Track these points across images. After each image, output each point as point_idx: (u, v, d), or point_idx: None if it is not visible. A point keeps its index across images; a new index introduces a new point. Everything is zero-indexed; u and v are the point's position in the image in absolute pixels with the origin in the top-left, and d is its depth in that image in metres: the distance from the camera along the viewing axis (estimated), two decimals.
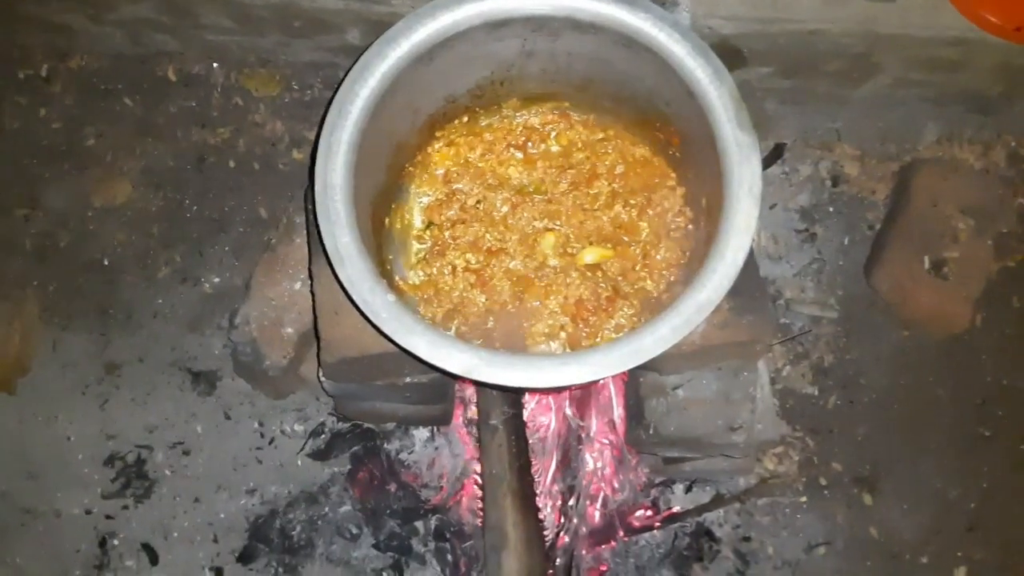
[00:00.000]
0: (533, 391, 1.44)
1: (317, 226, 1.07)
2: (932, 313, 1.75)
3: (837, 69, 1.72)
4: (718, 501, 1.69)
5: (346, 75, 1.11)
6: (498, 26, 1.15)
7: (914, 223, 1.73)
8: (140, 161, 1.94)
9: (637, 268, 1.25)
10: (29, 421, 1.80)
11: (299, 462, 1.76)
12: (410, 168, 1.31)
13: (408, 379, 1.39)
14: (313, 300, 1.31)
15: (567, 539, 1.62)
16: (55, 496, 1.77)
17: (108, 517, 1.75)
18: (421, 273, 1.28)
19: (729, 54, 1.68)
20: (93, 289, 1.88)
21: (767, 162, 1.76)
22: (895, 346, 1.78)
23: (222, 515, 1.75)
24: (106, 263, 1.89)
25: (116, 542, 1.75)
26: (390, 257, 1.27)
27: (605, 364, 1.01)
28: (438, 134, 1.31)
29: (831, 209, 1.85)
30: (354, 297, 1.04)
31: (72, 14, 1.87)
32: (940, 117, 1.84)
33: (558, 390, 1.45)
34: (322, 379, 1.39)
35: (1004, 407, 1.74)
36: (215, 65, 1.96)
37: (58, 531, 1.75)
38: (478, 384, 1.47)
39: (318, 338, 1.30)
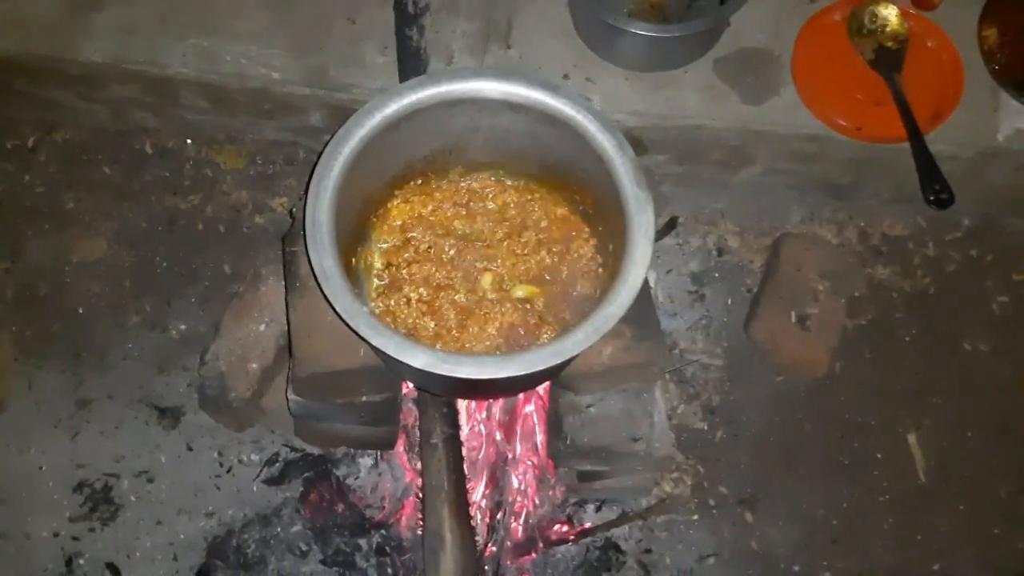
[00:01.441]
0: (476, 390, 1.67)
1: (306, 252, 1.33)
2: (799, 360, 2.02)
3: (719, 158, 2.01)
4: (624, 518, 1.91)
5: (331, 137, 1.39)
6: (451, 105, 1.44)
7: (783, 285, 2.01)
8: (116, 223, 2.14)
9: (558, 302, 1.53)
10: (3, 452, 1.95)
11: (255, 488, 1.94)
12: (373, 219, 1.57)
13: (364, 398, 1.64)
14: (288, 327, 1.56)
15: (495, 548, 1.85)
16: (25, 520, 1.91)
17: (75, 539, 1.90)
18: (381, 304, 1.53)
19: (632, 142, 1.93)
20: (68, 334, 2.05)
21: (663, 232, 2.06)
22: (770, 388, 2.03)
23: (182, 536, 1.91)
24: (81, 311, 2.07)
25: (82, 561, 1.89)
26: (356, 291, 1.52)
27: (535, 360, 1.27)
28: (396, 192, 1.58)
29: (716, 275, 2.12)
30: (337, 307, 1.29)
31: (63, 92, 2.09)
32: (803, 201, 2.13)
33: (497, 390, 1.69)
34: (291, 397, 1.63)
35: (859, 440, 2.00)
36: (188, 141, 2.19)
37: (27, 552, 1.89)
38: (424, 399, 1.74)
39: (292, 357, 1.55)
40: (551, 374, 1.52)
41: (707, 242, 2.16)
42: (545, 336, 1.49)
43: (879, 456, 2.00)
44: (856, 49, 1.94)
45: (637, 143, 1.99)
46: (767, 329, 2.03)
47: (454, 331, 1.50)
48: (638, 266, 1.33)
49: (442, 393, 1.68)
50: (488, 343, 1.49)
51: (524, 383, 1.57)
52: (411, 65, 1.83)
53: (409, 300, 1.52)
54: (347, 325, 1.29)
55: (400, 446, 1.91)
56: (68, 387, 2.02)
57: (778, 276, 2.05)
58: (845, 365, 2.05)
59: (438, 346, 1.49)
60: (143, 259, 2.13)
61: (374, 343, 1.28)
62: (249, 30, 1.97)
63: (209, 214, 2.16)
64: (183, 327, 2.07)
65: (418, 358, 1.28)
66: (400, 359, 1.27)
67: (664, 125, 1.94)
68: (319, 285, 1.32)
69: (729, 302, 2.12)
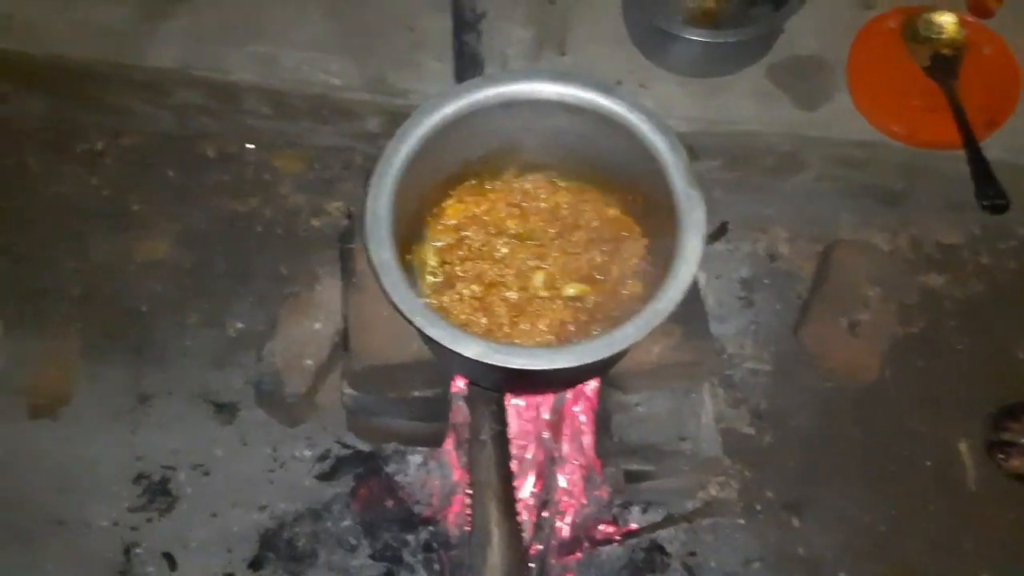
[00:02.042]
0: (527, 383, 1.70)
1: (365, 245, 1.37)
2: (848, 366, 2.01)
3: (771, 164, 2.02)
4: (669, 520, 1.92)
5: (393, 136, 1.43)
6: (508, 105, 1.47)
7: (833, 291, 2.01)
8: (177, 224, 2.21)
9: (609, 300, 1.55)
10: (66, 444, 2.00)
11: (307, 483, 1.97)
12: (428, 218, 1.60)
13: (416, 393, 1.68)
14: (345, 322, 1.61)
15: (540, 547, 1.87)
16: (86, 509, 1.95)
17: (133, 528, 1.94)
18: (434, 301, 1.56)
19: (685, 149, 2.03)
20: (130, 331, 2.11)
21: (714, 237, 2.07)
22: (818, 394, 2.02)
23: (235, 528, 1.94)
24: (143, 309, 2.13)
25: (139, 551, 1.92)
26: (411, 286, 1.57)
27: (585, 352, 1.29)
28: (452, 192, 1.61)
29: (766, 280, 2.13)
30: (393, 299, 1.33)
31: (131, 97, 2.16)
32: (855, 207, 2.13)
33: (548, 384, 1.71)
34: (345, 391, 1.67)
35: (908, 448, 1.98)
36: (249, 145, 2.26)
37: (86, 540, 1.93)
38: (475, 395, 1.76)
39: (348, 351, 1.59)
40: (601, 368, 1.54)
41: (757, 248, 2.17)
42: (595, 333, 1.50)
43: (928, 464, 1.98)
44: (911, 56, 1.95)
45: (688, 149, 2.00)
46: (817, 335, 2.03)
47: (505, 327, 1.52)
48: (689, 263, 1.35)
49: (493, 386, 1.70)
50: (539, 339, 1.51)
51: (574, 376, 1.59)
52: (467, 71, 1.87)
53: (462, 297, 1.55)
54: (403, 316, 1.33)
55: (449, 443, 1.93)
56: (129, 382, 2.07)
57: (829, 282, 2.05)
58: (895, 372, 2.04)
59: (490, 340, 1.51)
60: (203, 260, 2.19)
61: (429, 333, 1.31)
62: (310, 37, 2.03)
63: (267, 217, 2.22)
64: (240, 326, 2.12)
65: (471, 348, 1.30)
66: (454, 349, 1.30)
67: (716, 131, 1.97)
68: (376, 277, 1.35)
69: (779, 308, 2.12)
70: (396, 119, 2.02)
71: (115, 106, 2.22)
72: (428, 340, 1.34)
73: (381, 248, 1.37)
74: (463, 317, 1.54)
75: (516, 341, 1.51)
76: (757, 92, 1.95)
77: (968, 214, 1.98)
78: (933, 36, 1.93)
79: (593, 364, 1.31)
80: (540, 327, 1.52)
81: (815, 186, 2.10)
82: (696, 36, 1.82)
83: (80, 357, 2.10)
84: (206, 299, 2.16)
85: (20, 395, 2.04)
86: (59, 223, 2.22)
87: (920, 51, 1.94)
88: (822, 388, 2.04)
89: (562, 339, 1.51)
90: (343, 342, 1.66)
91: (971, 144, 1.84)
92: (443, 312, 1.54)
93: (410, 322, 1.33)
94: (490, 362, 1.30)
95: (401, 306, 1.33)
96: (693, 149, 1.99)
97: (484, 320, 1.54)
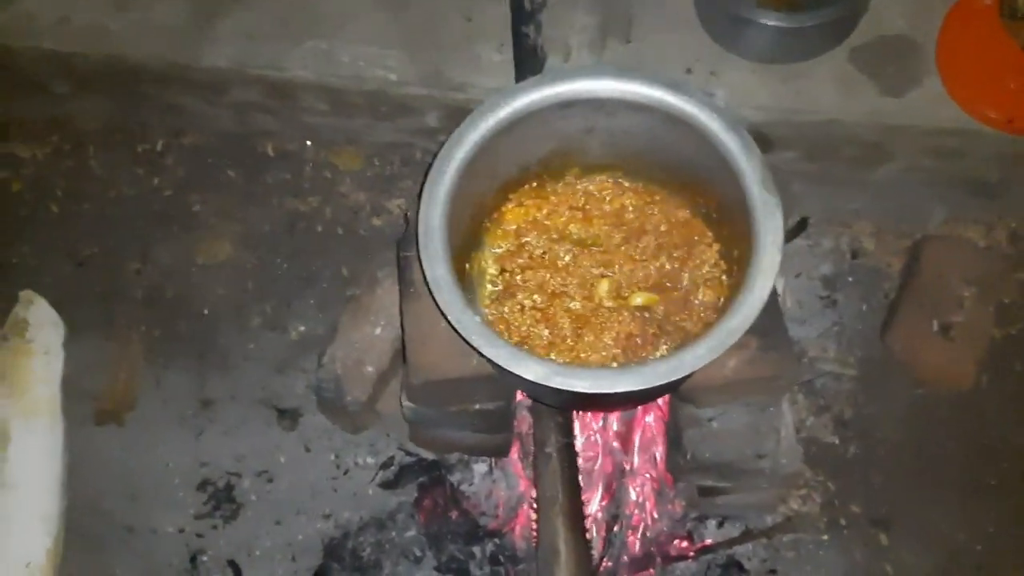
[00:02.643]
0: (591, 402, 1.63)
1: (419, 259, 1.30)
2: (941, 372, 1.89)
3: (854, 155, 1.91)
4: (747, 536, 1.82)
5: (444, 142, 1.36)
6: (565, 106, 1.39)
7: (924, 291, 1.88)
8: (239, 225, 2.18)
9: (679, 310, 1.46)
10: (133, 449, 2.00)
11: (370, 491, 1.93)
12: (487, 224, 1.53)
13: (477, 406, 1.61)
14: (403, 333, 1.54)
15: (611, 563, 1.79)
16: (152, 515, 1.94)
17: (199, 535, 1.93)
18: (494, 311, 1.49)
19: (758, 139, 1.85)
20: (193, 334, 2.09)
21: (793, 234, 1.95)
22: (908, 401, 1.91)
23: (300, 537, 1.92)
24: (205, 312, 2.11)
25: (205, 558, 1.92)
26: (469, 297, 1.49)
27: (653, 375, 1.21)
28: (511, 196, 1.54)
29: (850, 279, 2.01)
30: (450, 317, 1.26)
31: (190, 97, 2.14)
32: (947, 200, 2.00)
33: (612, 404, 1.64)
34: (404, 404, 1.61)
35: (1008, 460, 1.86)
36: (308, 143, 2.22)
37: (154, 547, 1.93)
38: (538, 408, 1.69)
39: (406, 364, 1.52)
40: (669, 388, 1.45)
41: (840, 244, 2.05)
42: (664, 347, 1.42)
43: None
44: (1009, 34, 1.79)
45: (764, 140, 1.90)
46: (906, 338, 1.91)
47: (568, 340, 1.45)
48: (765, 275, 1.25)
49: (555, 405, 1.63)
50: (604, 353, 1.43)
51: (640, 397, 1.50)
52: (527, 63, 1.78)
53: (523, 307, 1.48)
54: (459, 335, 1.26)
55: (514, 453, 1.87)
56: (193, 386, 2.06)
57: (919, 281, 1.92)
58: (993, 378, 1.91)
59: (552, 355, 1.44)
60: (265, 261, 2.16)
61: (486, 353, 1.24)
62: (365, 31, 1.97)
63: (328, 216, 2.18)
64: (302, 329, 2.09)
65: (531, 370, 1.23)
66: (512, 370, 1.23)
67: (794, 120, 1.85)
68: (431, 293, 1.29)
69: (864, 308, 2.00)
70: (455, 114, 1.99)
71: (174, 106, 2.19)
72: (487, 359, 1.26)
73: (435, 262, 1.30)
74: (524, 329, 1.47)
75: (580, 355, 1.43)
76: (838, 77, 1.83)
77: None
78: None
79: (660, 387, 1.23)
80: (606, 340, 1.44)
81: (902, 177, 1.96)
82: (773, 21, 1.70)
83: (144, 361, 2.09)
84: (268, 301, 2.13)
85: (87, 400, 2.04)
86: (121, 225, 2.21)
87: (1019, 29, 1.78)
88: (912, 395, 1.93)
89: (629, 353, 1.42)
90: (402, 352, 1.60)
91: None
92: (503, 324, 1.47)
93: (467, 342, 1.25)
94: (551, 385, 1.22)
95: (457, 324, 1.26)
96: (769, 139, 1.89)
97: (546, 332, 1.46)
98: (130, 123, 2.27)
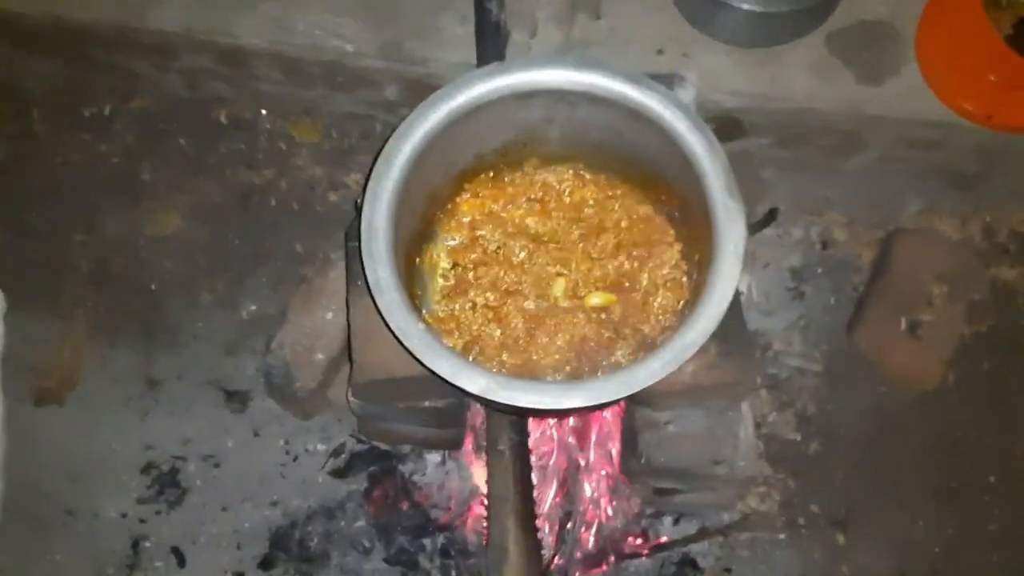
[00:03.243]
0: (538, 414, 1.58)
1: (360, 261, 1.23)
2: (907, 371, 1.84)
3: (828, 143, 1.84)
4: (703, 533, 1.78)
5: (392, 133, 1.28)
6: (525, 96, 1.31)
7: (894, 287, 1.83)
8: (190, 196, 2.09)
9: (637, 312, 1.39)
10: (75, 430, 1.93)
11: (320, 479, 1.88)
12: (440, 215, 1.46)
13: (427, 403, 1.54)
14: (348, 328, 1.47)
15: (562, 561, 1.75)
16: (94, 499, 1.88)
17: (142, 521, 1.87)
18: (445, 307, 1.43)
19: (731, 125, 1.84)
20: (140, 311, 2.01)
21: (761, 224, 1.87)
22: (872, 399, 1.86)
23: (246, 524, 1.86)
24: (153, 287, 2.03)
25: (148, 544, 1.86)
26: (419, 292, 1.42)
27: (603, 392, 1.15)
28: (466, 186, 1.47)
29: (819, 270, 1.95)
30: (390, 323, 1.19)
31: (139, 61, 2.04)
32: (922, 191, 1.94)
33: (559, 415, 1.59)
34: (351, 399, 1.55)
35: (970, 462, 1.82)
36: (263, 112, 2.11)
37: (95, 531, 1.87)
38: (490, 409, 1.63)
39: (351, 361, 1.45)
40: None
41: (810, 234, 1.99)
42: (620, 352, 1.36)
43: (992, 480, 1.82)
44: (991, 24, 1.71)
45: (736, 125, 1.83)
46: (873, 335, 1.86)
47: (521, 341, 1.39)
48: (724, 286, 1.19)
49: (504, 412, 1.57)
50: (557, 356, 1.37)
51: (592, 408, 1.44)
52: (489, 40, 1.68)
53: (475, 305, 1.41)
54: (399, 342, 1.19)
55: (468, 444, 1.81)
56: (139, 365, 1.98)
57: (889, 276, 1.87)
58: (960, 377, 1.87)
59: (504, 356, 1.38)
60: (216, 235, 2.07)
61: (427, 364, 1.18)
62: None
63: (283, 190, 2.09)
64: (253, 308, 2.01)
65: (475, 382, 1.17)
66: (454, 383, 1.17)
67: (768, 107, 1.78)
68: (372, 297, 1.22)
69: (832, 302, 1.95)
70: (416, 88, 1.90)
71: (122, 69, 2.09)
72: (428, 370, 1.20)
73: (378, 264, 1.22)
74: (475, 328, 1.40)
75: (533, 357, 1.37)
76: (814, 63, 1.75)
77: None
78: (1018, 0, 1.69)
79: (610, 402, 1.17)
80: (559, 343, 1.38)
81: (877, 167, 1.91)
82: (748, 4, 1.62)
83: (88, 338, 2.01)
84: (219, 278, 2.05)
85: (28, 377, 1.96)
86: (66, 193, 2.11)
87: (1003, 18, 1.70)
88: (877, 393, 1.88)
89: (583, 357, 1.37)
90: (348, 347, 1.53)
91: None
92: (453, 322, 1.40)
93: (409, 352, 1.19)
94: (495, 399, 1.16)
95: (398, 332, 1.19)
96: (741, 125, 1.82)
97: (498, 333, 1.40)
98: (77, 86, 2.16)
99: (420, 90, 1.90)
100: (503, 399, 1.16)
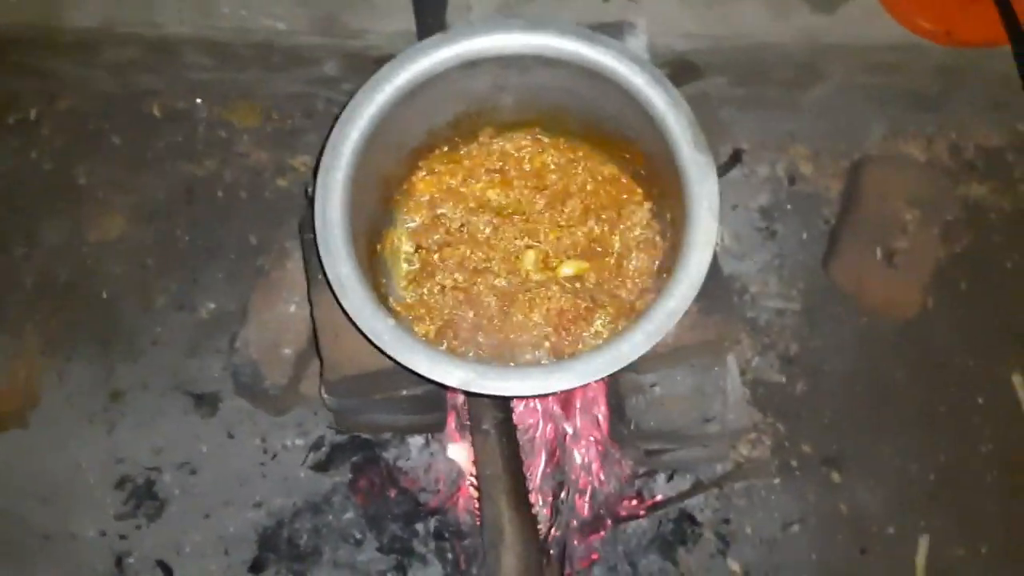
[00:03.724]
0: (522, 397, 1.54)
1: (319, 258, 1.17)
2: (886, 301, 1.82)
3: (786, 77, 1.79)
4: (698, 487, 1.76)
5: (336, 119, 1.20)
6: (472, 65, 1.24)
7: (865, 217, 1.80)
8: (132, 196, 2.00)
9: (612, 277, 1.34)
10: (41, 450, 1.85)
11: (302, 474, 1.82)
12: (397, 197, 1.39)
13: (404, 392, 1.49)
14: (314, 324, 1.40)
15: (559, 532, 1.71)
16: (70, 520, 1.82)
17: (122, 537, 1.81)
18: (413, 293, 1.37)
19: (685, 68, 1.77)
20: (93, 321, 1.93)
21: (726, 168, 1.83)
22: (854, 333, 1.84)
23: (231, 529, 1.81)
24: (104, 295, 1.95)
25: (131, 560, 1.80)
26: (383, 280, 1.35)
27: (587, 371, 1.11)
28: (420, 164, 1.40)
29: (789, 207, 1.91)
30: (358, 323, 1.13)
31: (60, 60, 1.93)
32: (885, 116, 1.90)
33: (546, 396, 1.55)
34: (324, 396, 1.49)
35: (957, 385, 1.82)
36: (198, 100, 2.02)
37: (75, 553, 1.81)
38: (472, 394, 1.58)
39: (320, 359, 1.39)
40: None
41: (776, 170, 1.95)
42: (599, 322, 1.31)
43: (980, 401, 1.81)
44: None
45: (691, 68, 1.78)
46: (849, 268, 1.84)
47: (496, 320, 1.33)
48: (702, 248, 1.15)
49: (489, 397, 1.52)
50: (535, 332, 1.32)
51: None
52: (428, 6, 1.60)
53: (443, 288, 1.35)
54: (370, 343, 1.13)
55: (451, 424, 1.76)
56: (99, 378, 1.91)
57: (860, 206, 1.84)
58: (939, 301, 1.85)
59: (479, 337, 1.32)
60: (164, 234, 1.99)
61: (402, 362, 1.12)
62: None
63: (228, 180, 2.00)
64: (212, 306, 1.94)
65: (453, 375, 1.12)
66: (434, 379, 1.11)
67: (721, 46, 1.74)
68: (335, 297, 1.15)
69: (804, 237, 1.92)
70: (355, 61, 1.82)
71: (43, 70, 1.98)
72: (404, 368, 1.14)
73: (337, 260, 1.16)
74: (446, 312, 1.34)
75: (510, 336, 1.32)
76: None
77: (1014, 110, 1.74)
78: None
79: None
80: (535, 318, 1.32)
81: (838, 97, 1.87)
82: None
83: (43, 355, 1.92)
84: (171, 278, 1.96)
85: None
86: (1, 205, 2.01)
87: None
88: (858, 326, 1.85)
89: (561, 331, 1.31)
90: (315, 343, 1.47)
91: (1020, 38, 1.57)
92: (423, 307, 1.35)
93: (380, 351, 1.13)
94: (476, 391, 1.11)
95: (368, 333, 1.13)
96: (697, 67, 1.77)
97: (471, 314, 1.34)
98: None
99: (361, 63, 1.82)
100: (484, 389, 1.11)
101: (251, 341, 1.73)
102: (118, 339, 1.93)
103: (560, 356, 1.30)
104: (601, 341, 1.27)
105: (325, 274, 1.16)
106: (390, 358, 1.13)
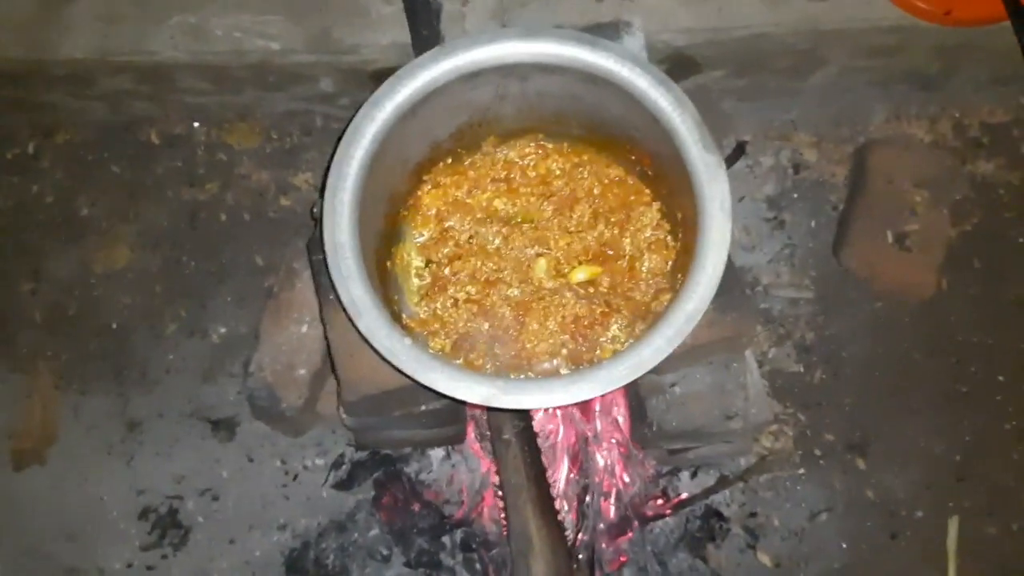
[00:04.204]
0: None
1: (330, 280, 1.16)
2: (901, 284, 1.81)
3: (786, 65, 1.77)
4: (723, 483, 1.75)
5: (339, 139, 1.19)
6: (472, 77, 1.23)
7: (874, 201, 1.78)
8: (135, 224, 1.99)
9: (625, 280, 1.33)
10: (62, 486, 1.85)
11: (324, 494, 1.82)
12: (404, 212, 1.38)
13: (423, 407, 1.48)
14: (328, 345, 1.39)
15: (586, 536, 1.70)
16: (96, 554, 1.82)
17: (149, 568, 1.81)
18: (426, 308, 1.36)
19: (684, 63, 1.76)
20: (106, 352, 1.93)
21: (731, 160, 1.80)
22: (870, 318, 1.83)
23: (257, 553, 1.81)
24: (115, 326, 1.94)
25: None
26: (396, 297, 1.35)
27: (609, 379, 1.10)
28: (425, 177, 1.39)
29: (795, 195, 1.90)
30: (374, 345, 1.12)
31: (54, 93, 1.91)
32: (887, 98, 1.88)
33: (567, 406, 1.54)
34: (343, 416, 1.48)
35: (977, 363, 1.80)
36: (196, 124, 2.01)
37: None
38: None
39: (337, 379, 1.38)
40: None
41: (780, 159, 1.93)
42: (615, 326, 1.30)
43: (1001, 378, 1.80)
44: None
45: (689, 63, 1.76)
46: (861, 253, 1.82)
47: (511, 331, 1.33)
48: (717, 248, 1.14)
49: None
50: (551, 341, 1.31)
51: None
52: (421, 18, 1.59)
53: (456, 302, 1.35)
54: (388, 363, 1.12)
55: (471, 435, 1.76)
56: (115, 409, 1.90)
57: (867, 190, 1.82)
58: (953, 280, 1.84)
59: (496, 349, 1.31)
60: (170, 261, 1.98)
61: (421, 381, 1.11)
62: None
63: (231, 202, 1.99)
64: (223, 330, 1.93)
65: (475, 392, 1.11)
66: (454, 396, 1.11)
67: (719, 39, 1.72)
68: (349, 319, 1.14)
69: (813, 224, 1.90)
70: (351, 76, 1.81)
71: (39, 104, 1.97)
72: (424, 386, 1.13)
73: (350, 283, 1.15)
74: (461, 326, 1.33)
75: (527, 346, 1.31)
76: None
77: (1018, 85, 1.72)
78: None
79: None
80: (550, 327, 1.31)
81: (838, 82, 1.85)
82: None
83: (57, 390, 1.92)
84: (181, 305, 1.95)
85: (2, 441, 1.88)
86: (4, 242, 2.01)
87: None
88: (873, 310, 1.84)
89: (578, 337, 1.31)
90: (330, 364, 1.46)
91: (1020, 14, 1.55)
92: (438, 322, 1.34)
93: (399, 370, 1.12)
94: (499, 405, 1.10)
95: (386, 353, 1.12)
96: (695, 61, 1.75)
97: (486, 326, 1.33)
98: None
99: (357, 78, 1.80)
100: (507, 404, 1.10)
101: (265, 364, 1.72)
102: (131, 369, 1.92)
103: (578, 363, 1.29)
104: (619, 345, 1.26)
105: (338, 297, 1.15)
106: (409, 377, 1.12)
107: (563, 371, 1.28)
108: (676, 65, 1.75)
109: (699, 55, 1.73)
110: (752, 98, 1.88)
